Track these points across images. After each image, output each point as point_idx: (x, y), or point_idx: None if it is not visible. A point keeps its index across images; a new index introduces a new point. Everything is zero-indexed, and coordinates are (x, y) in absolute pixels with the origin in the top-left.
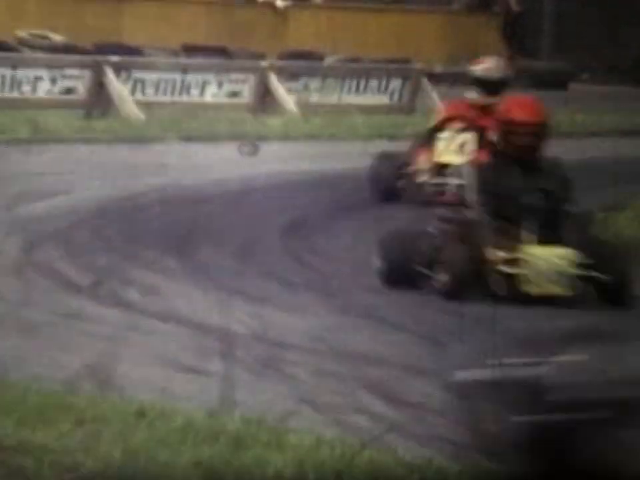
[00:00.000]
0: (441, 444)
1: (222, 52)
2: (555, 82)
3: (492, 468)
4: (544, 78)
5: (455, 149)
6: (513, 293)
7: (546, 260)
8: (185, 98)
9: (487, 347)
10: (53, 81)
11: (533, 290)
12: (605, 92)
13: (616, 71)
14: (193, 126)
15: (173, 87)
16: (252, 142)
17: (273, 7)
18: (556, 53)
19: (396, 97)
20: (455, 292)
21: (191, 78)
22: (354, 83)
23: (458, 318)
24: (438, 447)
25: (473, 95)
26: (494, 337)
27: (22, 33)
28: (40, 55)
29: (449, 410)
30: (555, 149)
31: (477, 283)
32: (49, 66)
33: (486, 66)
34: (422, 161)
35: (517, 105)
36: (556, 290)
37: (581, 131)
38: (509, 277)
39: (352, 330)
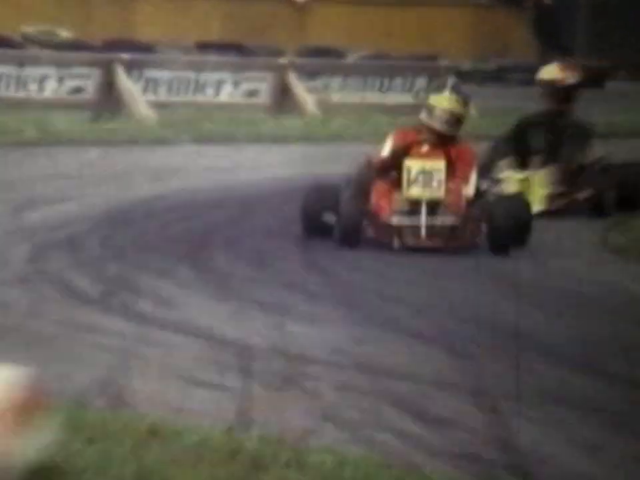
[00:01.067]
0: (470, 463)
1: (238, 49)
2: (591, 81)
3: None
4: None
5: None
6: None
7: None
8: (199, 98)
9: None
10: (61, 79)
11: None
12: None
13: None
14: (208, 127)
15: (187, 87)
16: None
17: (291, 1)
18: (591, 51)
19: (422, 95)
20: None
21: (206, 77)
22: (377, 82)
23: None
24: (467, 465)
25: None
26: None
27: (28, 29)
28: (47, 52)
29: (478, 427)
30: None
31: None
32: (57, 64)
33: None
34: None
35: None
36: None
37: (619, 132)
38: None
39: (375, 342)
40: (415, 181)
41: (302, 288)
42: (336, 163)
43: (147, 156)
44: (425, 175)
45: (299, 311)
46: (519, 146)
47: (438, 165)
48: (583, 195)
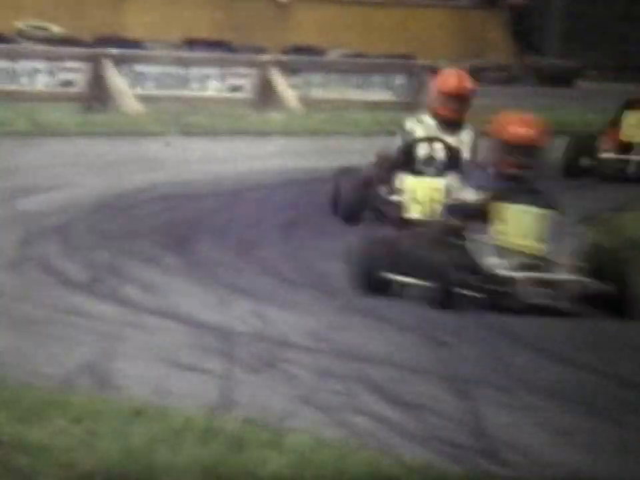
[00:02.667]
0: (442, 446)
1: (224, 46)
2: (560, 79)
3: (491, 471)
4: (549, 75)
5: None
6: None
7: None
8: (185, 92)
9: None
10: (52, 73)
11: None
12: (614, 89)
13: (626, 68)
14: (194, 121)
15: (174, 81)
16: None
17: (275, 1)
18: (564, 51)
19: (400, 93)
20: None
21: (192, 72)
22: (357, 79)
23: None
24: (438, 448)
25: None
26: None
27: (20, 24)
28: (39, 46)
29: (452, 412)
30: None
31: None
32: (48, 58)
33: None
34: None
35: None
36: None
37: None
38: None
39: (353, 329)
40: None
41: (283, 276)
42: (316, 156)
43: (134, 148)
44: None
45: (280, 298)
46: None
47: None
48: None
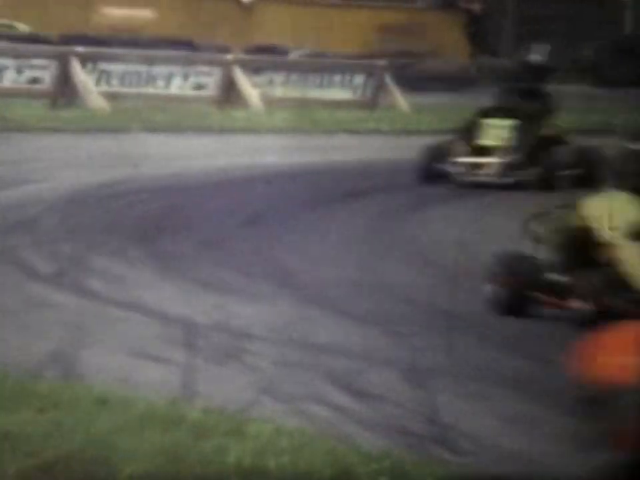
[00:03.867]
0: (399, 434)
1: (188, 45)
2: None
3: (447, 460)
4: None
5: None
6: None
7: None
8: (150, 90)
9: None
10: (19, 70)
11: None
12: (565, 91)
13: (575, 70)
14: (158, 117)
15: (139, 79)
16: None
17: (238, 1)
18: (518, 52)
19: (359, 92)
20: None
21: (157, 70)
22: (318, 78)
23: None
24: (395, 437)
25: None
26: None
27: None
28: (6, 44)
29: (408, 402)
30: None
31: None
32: (15, 56)
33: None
34: None
35: None
36: None
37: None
38: None
39: (314, 321)
40: None
41: (246, 269)
42: (277, 153)
43: (100, 144)
44: None
45: (243, 291)
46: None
47: None
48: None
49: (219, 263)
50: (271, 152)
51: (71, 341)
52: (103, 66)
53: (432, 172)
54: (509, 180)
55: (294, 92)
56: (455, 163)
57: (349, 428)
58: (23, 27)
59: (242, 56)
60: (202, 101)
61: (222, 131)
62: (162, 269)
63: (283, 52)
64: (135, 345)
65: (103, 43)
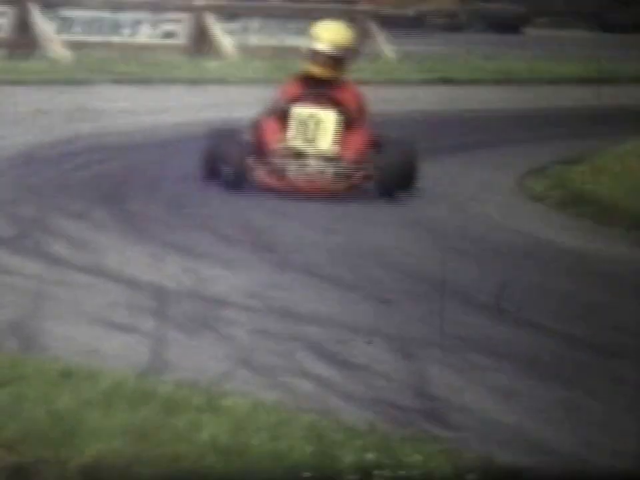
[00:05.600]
0: (385, 408)
1: None
2: (508, 26)
3: (436, 434)
4: (496, 21)
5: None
6: None
7: None
8: (116, 38)
9: None
10: None
11: None
12: (565, 36)
13: (577, 15)
14: (125, 68)
15: (103, 27)
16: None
17: None
18: None
19: None
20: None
21: (123, 17)
22: (296, 25)
23: None
24: (381, 411)
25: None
26: None
27: None
28: None
29: (395, 373)
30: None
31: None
32: None
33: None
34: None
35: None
36: None
37: (537, 78)
38: None
39: (291, 287)
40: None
41: (219, 232)
42: (253, 106)
43: (61, 97)
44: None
45: (215, 255)
46: None
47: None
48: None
49: (189, 225)
50: (245, 105)
51: (31, 310)
52: (65, 12)
53: None
54: None
55: (271, 40)
56: None
57: (332, 401)
58: None
59: (214, 1)
60: (172, 50)
61: (192, 82)
62: (128, 231)
63: None
64: (100, 313)
65: None
